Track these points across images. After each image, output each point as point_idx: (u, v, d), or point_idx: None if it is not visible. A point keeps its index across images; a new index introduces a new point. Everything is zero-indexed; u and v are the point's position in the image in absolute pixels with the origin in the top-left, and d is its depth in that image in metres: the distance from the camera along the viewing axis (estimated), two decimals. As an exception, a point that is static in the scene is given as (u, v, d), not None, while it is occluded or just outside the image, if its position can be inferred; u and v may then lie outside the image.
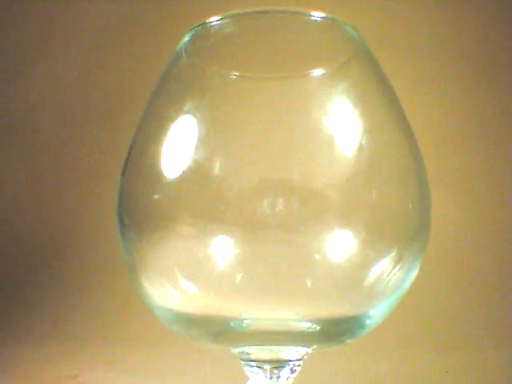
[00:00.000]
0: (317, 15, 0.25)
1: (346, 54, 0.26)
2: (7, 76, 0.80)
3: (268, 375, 0.26)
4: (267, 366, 0.26)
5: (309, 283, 0.24)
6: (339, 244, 0.23)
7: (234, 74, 0.26)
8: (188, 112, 0.25)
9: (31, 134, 0.79)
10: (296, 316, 0.25)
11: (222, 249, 0.24)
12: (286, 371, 0.26)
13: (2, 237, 0.75)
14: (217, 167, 0.23)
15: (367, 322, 0.26)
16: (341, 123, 0.24)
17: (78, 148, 0.77)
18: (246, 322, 0.25)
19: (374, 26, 0.69)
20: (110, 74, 0.78)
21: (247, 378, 0.27)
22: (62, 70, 0.79)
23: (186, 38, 0.26)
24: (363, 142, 0.24)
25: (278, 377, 0.26)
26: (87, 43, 0.79)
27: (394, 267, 0.25)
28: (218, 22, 0.25)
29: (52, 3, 0.80)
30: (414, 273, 0.26)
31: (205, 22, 0.25)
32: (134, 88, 0.73)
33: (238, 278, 0.24)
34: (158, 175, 0.24)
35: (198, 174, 0.24)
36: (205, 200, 0.24)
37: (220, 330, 0.25)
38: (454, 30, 0.72)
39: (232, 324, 0.25)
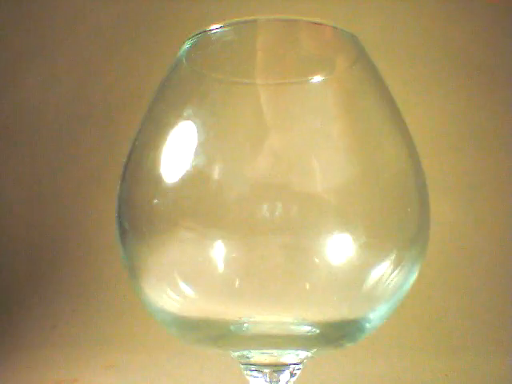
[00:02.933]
0: (316, 23, 0.25)
1: (345, 61, 0.27)
2: (7, 79, 0.80)
3: (268, 379, 0.26)
4: (267, 370, 0.26)
5: (308, 287, 0.24)
6: (338, 248, 0.24)
7: (234, 81, 0.26)
8: (188, 118, 0.25)
9: (30, 139, 0.79)
10: (295, 320, 0.25)
11: (222, 253, 0.24)
12: (285, 375, 0.26)
13: (1, 241, 0.75)
14: (216, 172, 0.24)
15: (367, 325, 0.26)
16: (340, 128, 0.25)
17: (77, 152, 0.77)
18: (245, 325, 0.25)
19: (373, 32, 0.69)
20: (110, 78, 0.78)
21: (247, 382, 0.27)
22: (62, 73, 0.80)
23: (187, 45, 0.26)
24: (362, 147, 0.25)
25: (278, 381, 0.26)
26: (88, 47, 0.79)
27: (394, 271, 0.25)
28: (218, 30, 0.25)
29: (51, 5, 0.80)
30: (414, 276, 0.26)
31: (205, 30, 0.26)
32: (134, 93, 0.73)
33: (238, 281, 0.24)
34: (158, 180, 0.24)
35: (197, 178, 0.24)
36: (204, 205, 0.24)
37: (220, 334, 0.26)
38: (453, 35, 0.72)
39: (232, 328, 0.25)
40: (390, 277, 0.25)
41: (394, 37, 0.72)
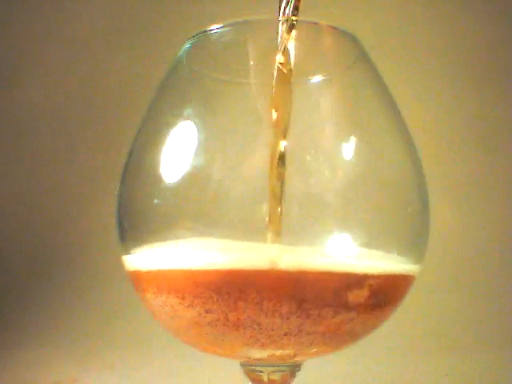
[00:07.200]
0: (316, 23, 0.25)
1: (345, 61, 0.27)
2: (5, 80, 0.80)
3: (267, 379, 0.26)
4: (267, 370, 0.26)
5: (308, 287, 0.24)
6: (338, 248, 0.23)
7: (234, 81, 0.26)
8: (187, 118, 0.25)
9: (29, 140, 0.79)
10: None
11: (221, 253, 0.24)
12: (285, 375, 0.26)
13: (1, 242, 0.75)
14: (216, 172, 0.24)
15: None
16: (340, 128, 0.25)
17: (77, 152, 0.77)
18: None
19: (373, 32, 0.69)
20: (109, 79, 0.78)
21: (247, 382, 0.27)
22: (61, 74, 0.80)
23: (187, 46, 0.26)
24: (362, 147, 0.25)
25: (278, 381, 0.26)
26: (87, 48, 0.79)
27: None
28: (218, 30, 0.25)
29: (51, 7, 0.80)
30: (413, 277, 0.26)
31: (205, 30, 0.26)
32: (133, 93, 0.73)
33: (237, 281, 0.24)
34: (158, 180, 0.24)
35: (197, 178, 0.24)
36: (204, 205, 0.24)
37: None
38: (453, 34, 0.72)
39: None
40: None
41: (394, 37, 0.72)
